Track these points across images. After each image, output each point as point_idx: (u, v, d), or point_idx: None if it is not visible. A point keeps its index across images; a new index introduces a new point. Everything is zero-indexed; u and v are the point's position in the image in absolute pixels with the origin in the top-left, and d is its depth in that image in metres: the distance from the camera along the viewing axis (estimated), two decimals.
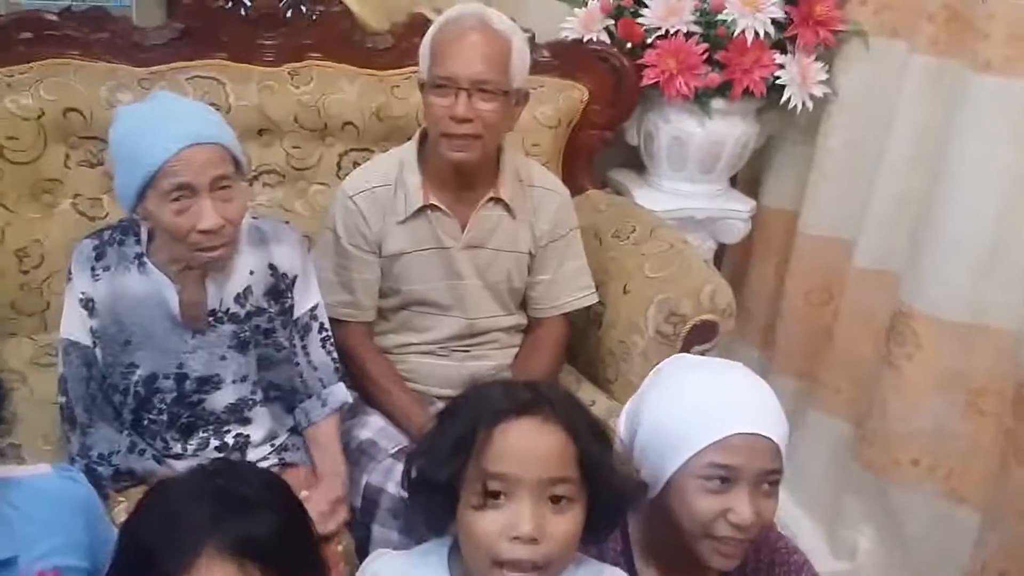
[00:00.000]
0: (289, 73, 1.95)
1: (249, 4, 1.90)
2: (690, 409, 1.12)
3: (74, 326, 1.44)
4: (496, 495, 0.95)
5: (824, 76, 2.06)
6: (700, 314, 1.79)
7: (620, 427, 1.23)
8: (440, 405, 1.61)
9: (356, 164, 1.92)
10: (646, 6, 2.04)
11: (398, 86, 2.00)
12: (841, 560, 2.16)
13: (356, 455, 1.64)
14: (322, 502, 1.48)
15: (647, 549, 1.21)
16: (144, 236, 1.45)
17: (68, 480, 1.05)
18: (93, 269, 1.43)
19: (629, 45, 2.07)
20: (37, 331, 1.85)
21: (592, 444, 0.99)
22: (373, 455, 1.63)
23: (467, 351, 1.79)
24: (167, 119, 1.36)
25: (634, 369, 1.81)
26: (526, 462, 0.95)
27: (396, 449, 1.63)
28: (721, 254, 2.46)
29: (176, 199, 1.33)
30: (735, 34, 2.01)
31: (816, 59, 2.06)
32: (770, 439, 1.10)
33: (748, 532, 1.10)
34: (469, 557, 0.99)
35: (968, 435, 1.88)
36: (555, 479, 0.96)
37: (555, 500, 0.96)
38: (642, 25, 2.04)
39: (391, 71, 2.01)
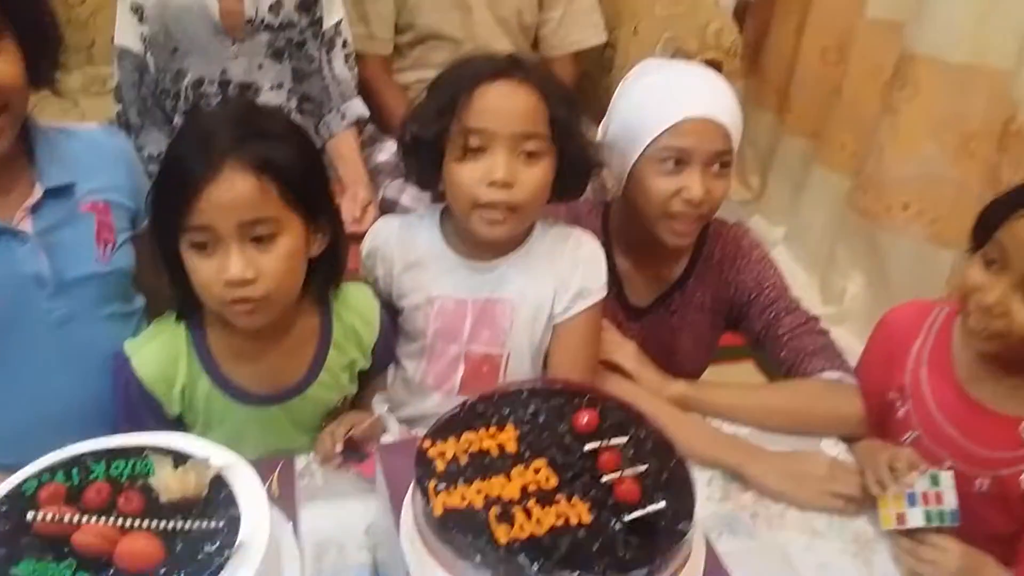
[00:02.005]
0: None
1: None
2: (647, 101, 1.23)
3: (126, 34, 1.58)
4: (475, 149, 1.07)
5: None
6: (705, 52, 1.86)
7: (599, 134, 1.34)
8: None
9: None
10: None
11: None
12: (830, 305, 2.30)
13: (373, 174, 1.80)
14: (354, 208, 1.66)
15: (623, 241, 1.35)
16: None
17: (113, 134, 1.21)
18: None
19: None
20: (85, 64, 2.00)
21: (561, 107, 1.10)
22: (389, 172, 1.78)
23: None
24: None
25: None
26: (501, 118, 1.06)
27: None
28: (742, 14, 2.47)
29: None
30: None
31: None
32: (719, 123, 1.19)
33: (700, 208, 1.22)
34: (453, 204, 1.13)
35: (956, 179, 1.94)
36: (527, 134, 1.07)
37: (527, 154, 1.08)
38: None
39: None
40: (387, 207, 1.74)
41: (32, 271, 1.05)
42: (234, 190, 0.93)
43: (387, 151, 1.82)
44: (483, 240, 1.12)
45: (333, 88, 1.72)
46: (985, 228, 1.11)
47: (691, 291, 1.36)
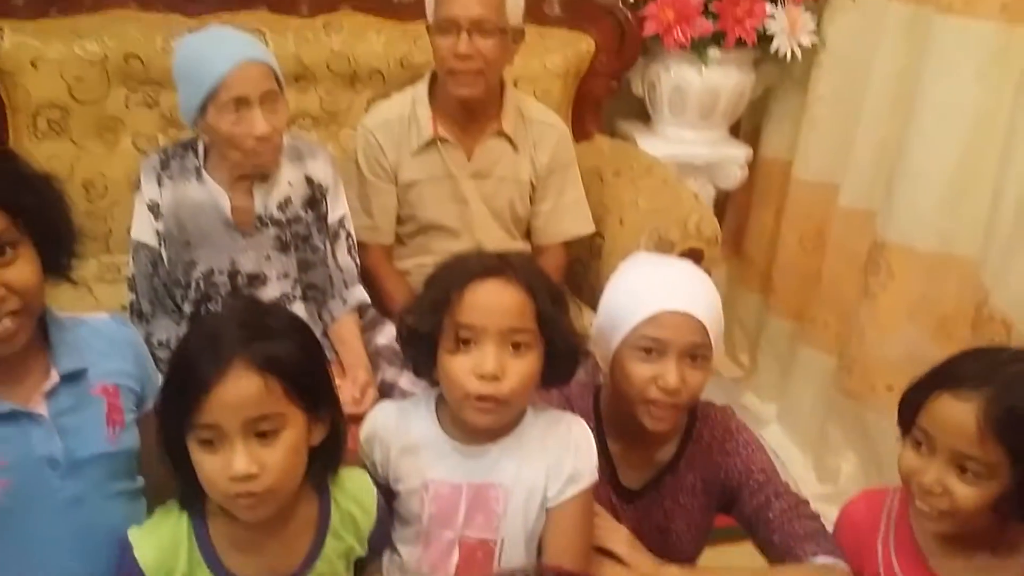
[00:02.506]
0: (322, 24, 2.17)
1: None
2: (631, 291, 1.31)
3: (143, 229, 1.68)
4: (466, 342, 1.14)
5: (812, 26, 2.21)
6: (687, 241, 1.95)
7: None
8: None
9: None
10: None
11: (421, 36, 2.16)
12: (826, 484, 2.31)
13: (374, 357, 1.86)
14: (353, 389, 1.71)
15: (613, 424, 1.39)
16: (201, 152, 1.69)
17: (122, 324, 1.28)
18: (159, 178, 1.67)
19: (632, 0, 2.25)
20: (101, 253, 2.10)
21: (548, 303, 1.18)
22: (388, 357, 1.84)
23: None
24: (222, 42, 1.60)
25: None
26: (491, 314, 1.14)
27: None
28: (724, 203, 2.63)
29: (233, 111, 1.56)
30: None
31: (805, 10, 2.22)
32: (696, 318, 1.26)
33: (676, 397, 1.27)
34: (446, 393, 1.19)
35: (938, 360, 2.01)
36: (515, 329, 1.14)
37: (515, 347, 1.15)
38: None
39: (415, 22, 2.20)
40: (386, 389, 1.79)
41: (46, 453, 1.10)
42: (240, 389, 0.99)
43: (387, 335, 1.89)
44: (475, 428, 1.17)
45: (336, 276, 1.81)
46: (907, 412, 1.18)
47: (682, 474, 1.39)
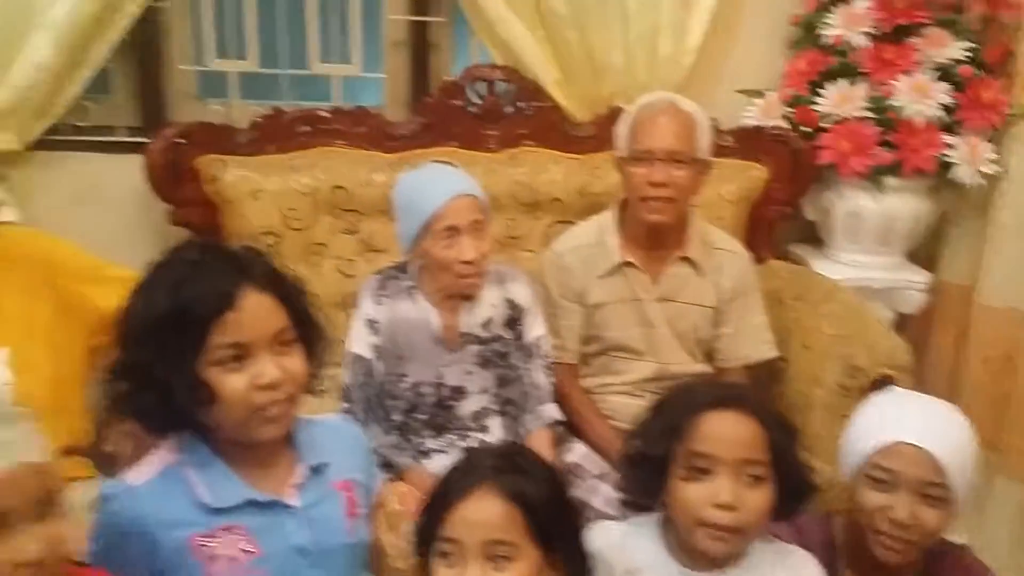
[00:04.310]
0: (508, 157, 2.32)
1: (477, 102, 2.30)
2: (872, 419, 1.35)
3: (360, 343, 1.80)
4: (702, 470, 1.18)
5: (993, 156, 2.20)
6: (877, 368, 1.92)
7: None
8: None
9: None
10: (821, 95, 2.29)
11: (599, 167, 2.31)
12: None
13: (564, 474, 1.89)
14: None
15: (848, 555, 1.39)
16: (414, 274, 1.83)
17: (351, 424, 1.39)
18: (377, 297, 1.81)
19: (806, 129, 2.31)
20: None
21: (780, 435, 1.21)
22: (579, 475, 1.88)
23: (660, 393, 2.01)
24: (439, 178, 1.77)
25: (814, 420, 1.96)
26: (726, 445, 1.18)
27: (600, 472, 1.88)
28: (900, 325, 2.58)
29: (445, 238, 1.71)
30: (905, 118, 2.20)
31: (985, 139, 2.21)
32: (933, 455, 1.27)
33: (907, 532, 1.26)
34: (677, 519, 1.22)
35: None
36: (750, 460, 1.18)
37: (750, 478, 1.18)
38: (818, 112, 2.28)
39: (593, 154, 2.34)
40: (579, 507, 1.81)
41: (298, 542, 1.17)
42: (483, 510, 1.07)
43: (576, 453, 1.93)
44: (705, 555, 1.18)
45: (532, 393, 1.88)
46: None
47: None
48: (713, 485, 1.16)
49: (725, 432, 1.18)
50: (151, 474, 1.14)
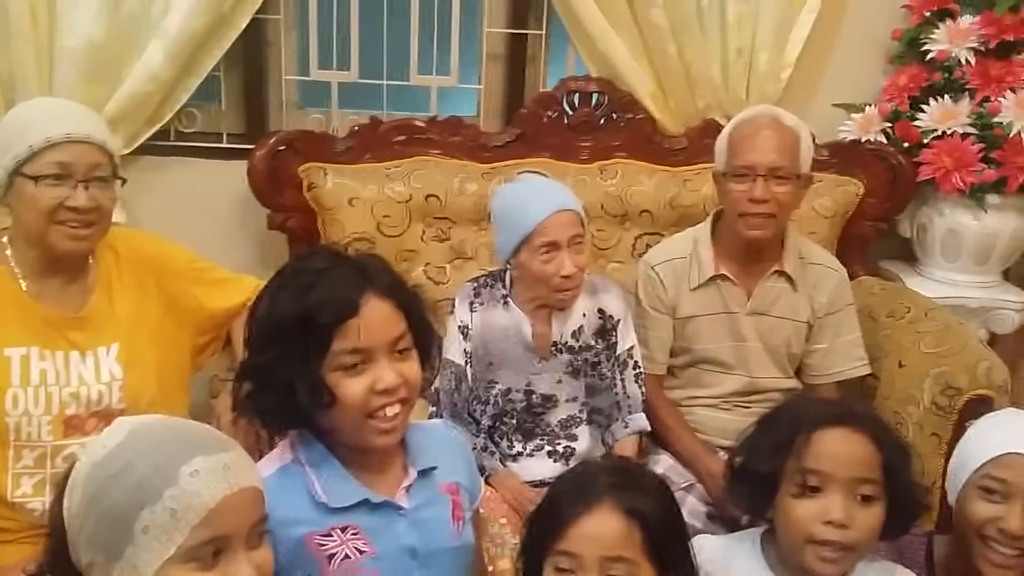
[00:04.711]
0: (599, 169, 2.34)
1: (571, 113, 2.32)
2: (983, 433, 1.34)
3: (452, 348, 1.84)
4: (813, 488, 1.17)
5: None
6: (976, 388, 1.89)
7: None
8: (723, 454, 1.87)
9: (649, 246, 2.24)
10: (923, 111, 2.24)
11: (689, 180, 2.32)
12: None
13: None
14: None
15: (947, 574, 1.36)
16: (508, 282, 1.85)
17: (452, 428, 1.42)
18: (471, 304, 1.85)
19: (906, 145, 2.27)
20: None
21: (893, 454, 1.20)
22: None
23: (748, 407, 2.01)
24: (540, 193, 1.80)
25: (907, 439, 1.90)
26: (840, 462, 1.17)
27: (686, 484, 1.88)
28: (993, 345, 2.51)
29: (544, 252, 1.73)
30: (1011, 135, 2.15)
31: None
32: None
33: (1020, 543, 1.24)
34: (785, 535, 1.21)
35: None
36: (863, 479, 1.17)
37: (862, 496, 1.17)
38: (919, 127, 2.24)
39: (684, 167, 2.34)
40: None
41: (408, 543, 1.20)
42: (604, 525, 1.08)
43: (662, 464, 1.93)
44: (812, 573, 1.17)
45: (623, 403, 1.89)
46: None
47: None
48: (825, 502, 1.16)
49: (839, 450, 1.17)
50: (271, 470, 1.18)
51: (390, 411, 1.16)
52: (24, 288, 1.61)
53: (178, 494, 0.91)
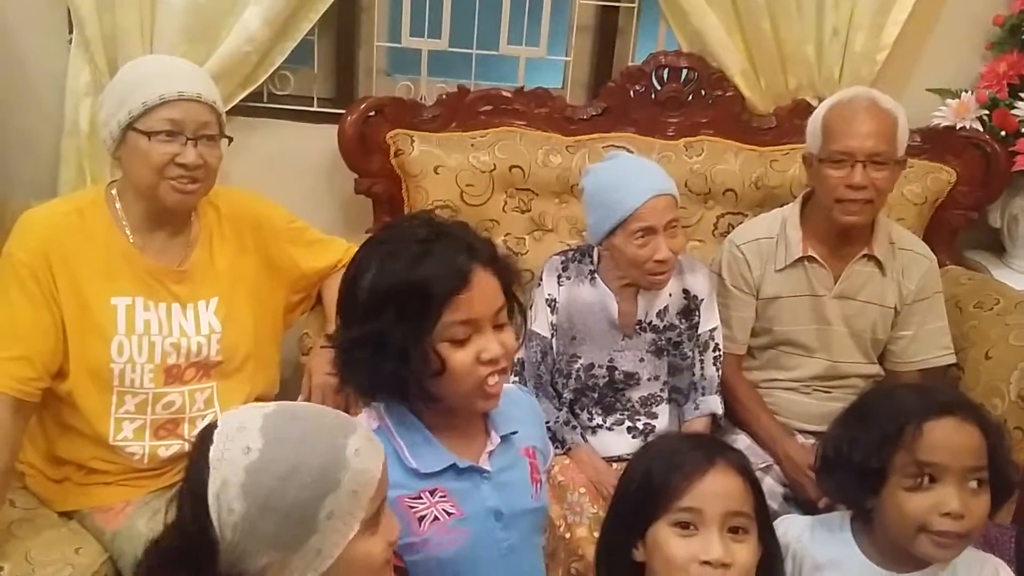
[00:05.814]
0: (684, 145, 2.32)
1: (659, 89, 2.31)
2: None
3: (539, 320, 1.86)
4: (929, 478, 1.17)
5: None
6: None
7: None
8: (801, 437, 1.87)
9: (731, 226, 2.23)
10: (1021, 99, 2.19)
11: (776, 160, 2.29)
12: None
13: None
14: None
15: None
16: (596, 258, 1.87)
17: (527, 394, 1.46)
18: (559, 277, 1.86)
19: (1003, 133, 2.22)
20: None
21: (997, 441, 1.20)
22: None
23: (828, 392, 2.00)
24: (636, 176, 1.78)
25: None
26: (954, 453, 1.17)
27: (764, 465, 1.88)
28: None
29: (640, 237, 1.73)
30: None
31: None
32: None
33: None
34: (895, 526, 1.21)
35: None
36: (975, 468, 1.17)
37: (974, 484, 1.17)
38: (1017, 116, 2.19)
39: (771, 147, 2.32)
40: None
41: (493, 505, 1.24)
42: (726, 481, 1.11)
43: (739, 444, 1.93)
44: (927, 559, 1.19)
45: (700, 383, 1.90)
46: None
47: None
48: (941, 494, 1.16)
49: (952, 440, 1.17)
50: None
51: (492, 380, 1.19)
52: (131, 240, 1.67)
53: (353, 475, 0.95)
